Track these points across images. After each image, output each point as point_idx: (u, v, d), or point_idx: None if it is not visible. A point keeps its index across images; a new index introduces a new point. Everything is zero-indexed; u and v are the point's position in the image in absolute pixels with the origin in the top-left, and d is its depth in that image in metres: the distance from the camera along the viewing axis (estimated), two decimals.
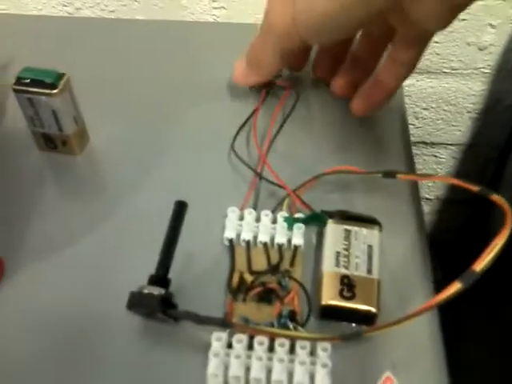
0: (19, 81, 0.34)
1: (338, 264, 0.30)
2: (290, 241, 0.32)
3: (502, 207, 0.27)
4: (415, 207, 0.35)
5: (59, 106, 0.34)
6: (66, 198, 0.36)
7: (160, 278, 0.29)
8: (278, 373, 0.26)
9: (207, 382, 0.27)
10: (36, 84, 0.34)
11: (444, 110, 0.58)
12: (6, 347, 0.30)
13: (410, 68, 0.35)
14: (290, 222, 0.32)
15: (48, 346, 0.30)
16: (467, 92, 0.56)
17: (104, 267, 0.33)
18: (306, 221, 0.33)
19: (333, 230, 0.32)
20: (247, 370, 0.27)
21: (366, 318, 0.29)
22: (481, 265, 0.25)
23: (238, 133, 0.38)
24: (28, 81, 0.34)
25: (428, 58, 0.54)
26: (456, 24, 0.48)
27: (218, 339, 0.27)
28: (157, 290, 0.29)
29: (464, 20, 0.50)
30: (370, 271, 0.30)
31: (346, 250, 0.31)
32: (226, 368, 0.27)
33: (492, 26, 0.51)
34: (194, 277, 0.32)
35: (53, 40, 0.46)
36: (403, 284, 0.31)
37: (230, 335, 0.27)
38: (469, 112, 0.58)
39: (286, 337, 0.27)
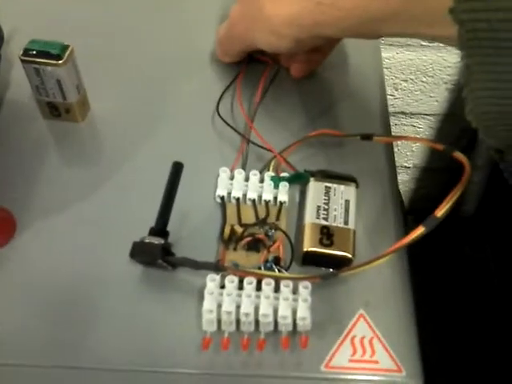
0: (26, 52, 0.37)
1: (318, 216, 0.34)
2: (275, 198, 0.36)
3: (462, 162, 0.30)
4: (389, 167, 0.39)
5: (64, 75, 0.37)
6: (70, 162, 0.40)
7: (160, 229, 0.33)
8: (265, 307, 0.30)
9: (203, 318, 0.30)
10: (42, 55, 0.36)
11: (422, 81, 0.61)
12: (18, 295, 0.33)
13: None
14: (276, 180, 0.36)
15: (56, 295, 0.33)
16: (444, 64, 0.60)
17: (107, 224, 0.36)
18: (290, 180, 0.36)
19: (314, 187, 0.35)
20: (238, 308, 0.30)
21: (343, 263, 0.33)
22: (442, 211, 0.29)
23: (221, 96, 0.41)
24: (35, 52, 0.36)
25: None
26: None
27: (212, 280, 0.31)
28: (157, 240, 0.32)
29: None
30: (346, 222, 0.34)
31: (326, 204, 0.34)
32: (219, 306, 0.30)
33: None
34: (189, 231, 0.35)
35: (54, 13, 0.48)
36: (376, 234, 0.35)
37: (223, 278, 0.31)
38: (445, 83, 0.61)
39: (272, 277, 0.31)
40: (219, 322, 0.30)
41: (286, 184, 0.36)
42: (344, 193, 0.35)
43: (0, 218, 0.35)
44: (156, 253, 0.32)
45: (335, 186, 0.35)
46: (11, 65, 0.43)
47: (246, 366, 0.30)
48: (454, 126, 0.66)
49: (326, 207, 0.34)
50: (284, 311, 0.30)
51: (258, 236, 0.34)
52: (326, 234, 0.33)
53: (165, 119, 0.41)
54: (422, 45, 0.58)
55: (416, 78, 0.61)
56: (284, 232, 0.34)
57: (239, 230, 0.34)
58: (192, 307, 0.32)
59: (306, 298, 0.30)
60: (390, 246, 0.35)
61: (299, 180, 0.36)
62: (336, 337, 0.31)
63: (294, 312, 0.30)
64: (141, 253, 0.33)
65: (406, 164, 0.71)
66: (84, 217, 0.36)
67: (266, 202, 0.36)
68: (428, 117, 0.65)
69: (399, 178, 0.69)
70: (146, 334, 0.32)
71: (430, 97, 0.63)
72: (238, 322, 0.30)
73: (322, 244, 0.33)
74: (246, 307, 0.30)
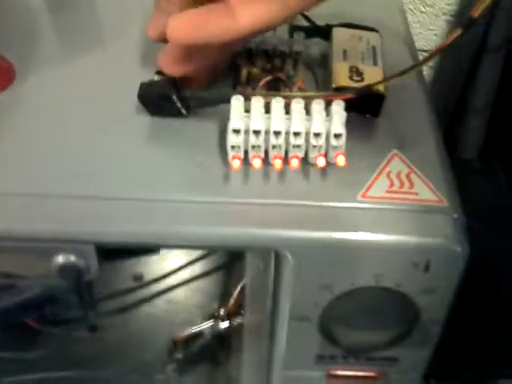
0: None
1: (345, 58, 0.31)
2: (290, 52, 0.33)
3: None
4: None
5: None
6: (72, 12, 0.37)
7: None
8: (297, 123, 0.26)
9: (227, 143, 0.27)
10: None
11: (421, 12, 0.60)
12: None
13: None
14: (291, 30, 0.33)
15: (58, 140, 0.29)
16: None
17: (109, 76, 0.33)
18: (308, 31, 0.33)
19: (338, 34, 0.33)
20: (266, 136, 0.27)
21: (375, 101, 0.30)
22: (478, 11, 0.26)
23: None
24: None
25: None
26: None
27: (237, 99, 0.27)
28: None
29: None
30: (375, 63, 0.31)
31: (353, 48, 0.32)
32: (246, 133, 0.27)
33: None
34: None
35: None
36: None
37: (247, 104, 0.28)
38: (444, 14, 0.61)
39: (302, 98, 0.27)
40: (246, 153, 0.27)
41: (302, 34, 0.33)
42: (370, 39, 0.33)
43: None
44: (169, 87, 0.29)
45: (360, 32, 0.33)
46: None
47: (277, 195, 0.27)
48: (453, 61, 0.64)
49: (353, 51, 0.32)
50: (318, 127, 0.27)
51: (279, 75, 0.31)
52: (355, 72, 0.30)
53: None
54: None
55: (415, 8, 0.60)
56: (308, 66, 0.31)
57: (256, 71, 0.31)
58: (212, 147, 0.29)
59: (341, 113, 0.27)
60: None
61: (319, 34, 0.34)
62: (371, 172, 0.28)
63: (328, 132, 0.27)
64: (151, 91, 0.29)
65: None
66: (87, 64, 0.33)
67: (282, 52, 0.33)
68: (426, 53, 0.64)
69: None
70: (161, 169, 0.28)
71: (429, 30, 0.62)
72: (266, 154, 0.27)
73: (352, 80, 0.30)
74: (277, 124, 0.27)
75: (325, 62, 0.32)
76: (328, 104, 0.27)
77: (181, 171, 0.28)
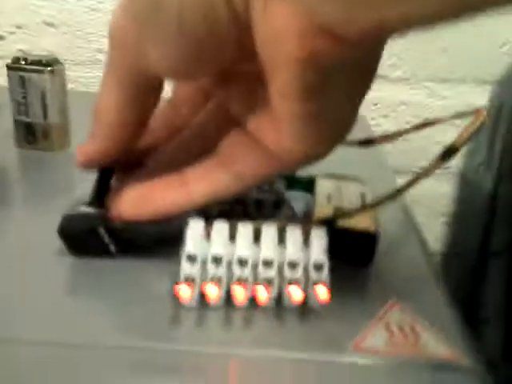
0: (15, 60, 0.35)
1: (329, 201, 0.28)
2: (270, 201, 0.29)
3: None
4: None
5: (49, 87, 0.35)
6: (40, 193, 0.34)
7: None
8: (268, 250, 0.22)
9: (181, 272, 0.22)
10: (31, 63, 0.35)
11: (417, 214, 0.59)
12: None
13: None
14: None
15: None
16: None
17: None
18: (289, 180, 0.30)
19: (323, 183, 0.30)
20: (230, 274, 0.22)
21: (366, 244, 0.25)
22: (460, 140, 0.25)
23: None
24: (23, 62, 0.35)
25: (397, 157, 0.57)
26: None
27: (196, 222, 0.23)
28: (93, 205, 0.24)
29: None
30: (363, 207, 0.27)
31: (338, 194, 0.29)
32: (204, 263, 0.22)
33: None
34: None
35: None
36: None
37: (207, 228, 0.23)
38: (443, 215, 0.59)
39: (276, 225, 0.23)
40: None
41: (282, 182, 0.30)
42: (357, 187, 0.30)
43: None
44: (95, 219, 0.23)
45: (345, 183, 0.30)
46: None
47: (239, 343, 0.21)
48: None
49: (339, 196, 0.28)
50: (294, 253, 0.22)
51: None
52: (341, 212, 0.27)
53: None
54: (412, 171, 0.57)
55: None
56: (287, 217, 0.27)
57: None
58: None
59: (321, 239, 0.22)
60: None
61: (302, 187, 0.31)
62: (363, 322, 0.22)
63: (306, 263, 0.22)
64: (73, 224, 0.24)
65: None
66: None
67: (259, 201, 0.29)
68: None
69: None
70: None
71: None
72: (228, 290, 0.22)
73: (337, 222, 0.26)
74: (243, 248, 0.22)
75: (308, 214, 0.29)
76: (307, 237, 0.23)
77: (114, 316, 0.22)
